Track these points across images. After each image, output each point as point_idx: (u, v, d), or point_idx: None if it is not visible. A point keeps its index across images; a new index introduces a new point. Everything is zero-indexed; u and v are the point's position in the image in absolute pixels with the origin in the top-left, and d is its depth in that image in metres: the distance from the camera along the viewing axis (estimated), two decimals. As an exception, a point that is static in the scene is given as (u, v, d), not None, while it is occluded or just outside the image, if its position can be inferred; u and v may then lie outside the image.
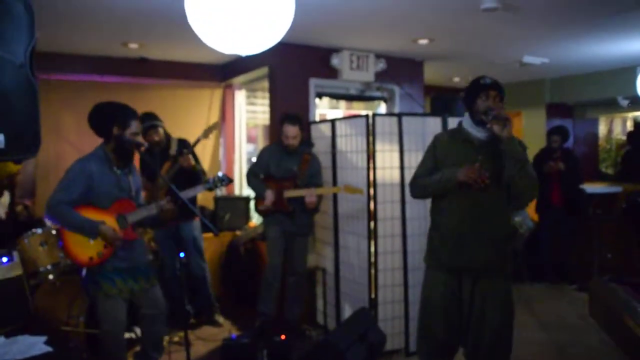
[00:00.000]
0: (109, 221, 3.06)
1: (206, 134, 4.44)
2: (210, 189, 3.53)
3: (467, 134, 2.80)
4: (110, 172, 3.10)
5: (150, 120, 4.38)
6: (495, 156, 2.70)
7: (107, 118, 3.08)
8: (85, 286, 3.18)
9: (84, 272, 3.16)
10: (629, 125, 9.04)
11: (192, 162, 4.34)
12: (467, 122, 2.82)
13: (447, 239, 2.79)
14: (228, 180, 3.52)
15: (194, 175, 4.26)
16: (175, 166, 4.32)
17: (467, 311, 2.77)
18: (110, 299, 3.08)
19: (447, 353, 2.90)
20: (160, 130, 4.45)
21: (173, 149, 4.41)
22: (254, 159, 5.38)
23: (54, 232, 3.97)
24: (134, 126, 3.10)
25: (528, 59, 6.13)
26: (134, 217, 3.14)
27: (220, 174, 3.54)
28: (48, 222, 4.25)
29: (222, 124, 6.58)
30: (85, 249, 3.03)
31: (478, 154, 2.71)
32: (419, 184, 2.91)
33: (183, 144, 4.48)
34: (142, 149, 3.16)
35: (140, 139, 3.17)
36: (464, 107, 2.89)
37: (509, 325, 2.79)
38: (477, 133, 2.76)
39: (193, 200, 4.44)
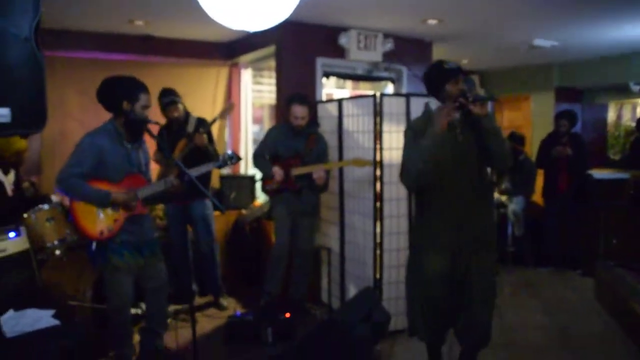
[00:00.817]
0: None
1: (223, 114, 4.44)
2: (219, 167, 3.55)
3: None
4: (120, 146, 3.11)
5: (169, 96, 4.39)
6: (474, 134, 2.82)
7: (116, 92, 3.07)
8: (94, 260, 3.20)
9: (93, 246, 3.18)
10: (639, 112, 8.94)
11: (206, 141, 4.32)
12: (436, 106, 2.90)
13: (446, 225, 2.86)
14: (237, 159, 3.53)
15: (206, 156, 4.24)
16: (190, 144, 4.31)
17: (461, 284, 2.88)
18: (118, 272, 3.12)
19: (445, 331, 3.05)
20: (180, 107, 4.44)
21: (191, 127, 4.40)
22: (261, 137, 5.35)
23: (60, 207, 3.99)
24: (144, 99, 3.10)
25: (538, 41, 6.06)
26: (144, 192, 3.15)
27: (229, 151, 3.56)
28: (55, 198, 4.26)
29: (229, 103, 6.54)
30: (95, 224, 3.06)
31: (459, 135, 2.83)
32: (412, 164, 2.82)
33: (201, 122, 4.46)
34: (151, 125, 3.14)
35: (147, 113, 3.15)
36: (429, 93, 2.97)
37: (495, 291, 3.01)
38: None
39: (207, 179, 4.43)
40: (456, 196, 2.83)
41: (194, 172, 3.28)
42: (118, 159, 3.10)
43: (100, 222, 3.06)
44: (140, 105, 3.08)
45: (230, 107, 4.56)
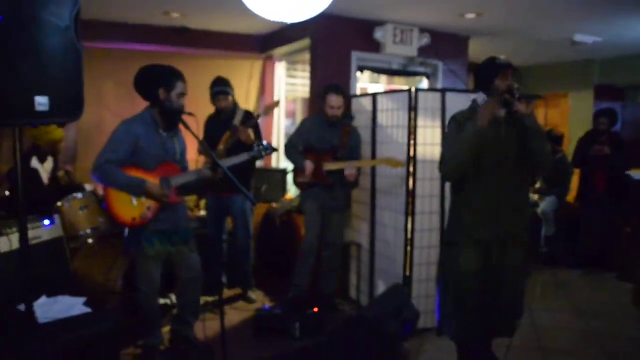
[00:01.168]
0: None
1: (267, 111, 4.42)
2: (254, 158, 3.53)
3: None
4: (156, 134, 3.14)
5: (220, 86, 4.38)
6: (517, 132, 2.81)
7: (152, 81, 3.10)
8: (127, 246, 3.25)
9: (126, 232, 3.22)
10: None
11: (252, 137, 4.27)
12: (484, 100, 2.85)
13: (479, 214, 2.85)
14: (272, 149, 3.51)
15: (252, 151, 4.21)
16: (234, 137, 4.30)
17: (493, 279, 2.87)
18: (147, 259, 3.16)
19: (477, 329, 2.97)
20: (230, 98, 4.43)
21: (237, 120, 4.40)
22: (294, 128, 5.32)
23: (94, 196, 4.04)
24: (180, 87, 3.11)
25: (580, 37, 5.87)
26: (178, 181, 3.17)
27: (264, 142, 3.53)
28: (88, 187, 4.32)
29: (262, 97, 6.54)
30: (129, 210, 3.09)
31: (503, 131, 2.82)
32: (451, 155, 2.82)
33: (248, 116, 4.45)
34: (183, 115, 3.14)
35: (183, 101, 3.15)
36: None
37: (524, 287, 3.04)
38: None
39: (249, 172, 4.43)
40: (494, 191, 2.82)
41: (230, 161, 3.28)
42: (153, 147, 3.12)
43: (133, 208, 3.10)
44: (177, 93, 3.10)
45: (275, 105, 4.55)
